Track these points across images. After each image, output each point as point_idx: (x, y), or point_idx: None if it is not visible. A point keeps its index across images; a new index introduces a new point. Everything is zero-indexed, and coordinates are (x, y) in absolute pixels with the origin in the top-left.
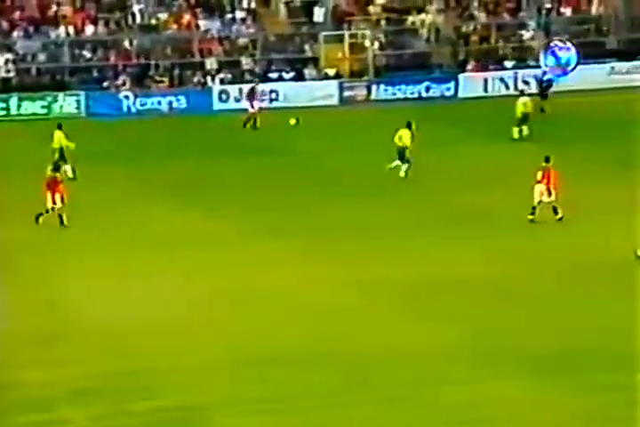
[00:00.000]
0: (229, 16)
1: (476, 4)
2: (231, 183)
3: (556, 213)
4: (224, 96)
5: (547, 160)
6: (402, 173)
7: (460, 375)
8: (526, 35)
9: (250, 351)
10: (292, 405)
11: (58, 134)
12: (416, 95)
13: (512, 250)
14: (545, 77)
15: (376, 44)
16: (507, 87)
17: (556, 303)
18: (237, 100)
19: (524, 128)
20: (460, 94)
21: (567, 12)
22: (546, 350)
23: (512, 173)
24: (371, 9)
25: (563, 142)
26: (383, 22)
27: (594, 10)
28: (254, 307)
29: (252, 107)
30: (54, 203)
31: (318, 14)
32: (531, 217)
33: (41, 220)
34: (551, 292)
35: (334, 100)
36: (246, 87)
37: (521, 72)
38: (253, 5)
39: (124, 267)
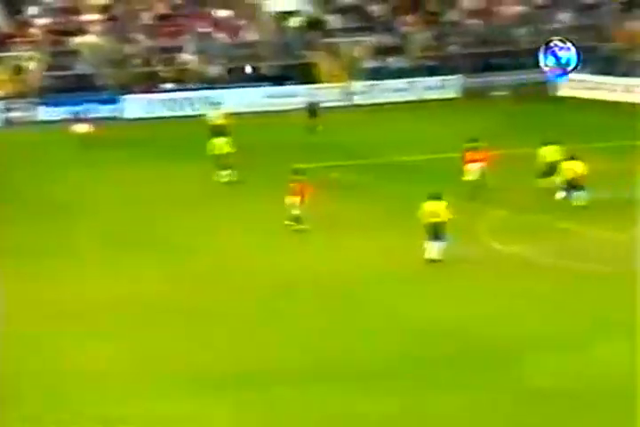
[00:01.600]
0: None
1: (136, 26)
2: None
3: (298, 223)
4: None
5: (297, 173)
6: (224, 179)
7: (124, 394)
8: (185, 58)
9: None
10: None
11: None
12: (82, 116)
13: (185, 269)
14: (311, 101)
15: (39, 66)
16: (169, 109)
17: (234, 321)
18: None
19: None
20: (125, 115)
21: (224, 37)
22: (210, 369)
23: (179, 192)
24: (32, 30)
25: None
26: (46, 43)
27: (249, 36)
28: None
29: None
30: None
31: None
32: (292, 224)
33: None
34: (231, 310)
35: None
36: None
37: (182, 94)
38: None
39: None
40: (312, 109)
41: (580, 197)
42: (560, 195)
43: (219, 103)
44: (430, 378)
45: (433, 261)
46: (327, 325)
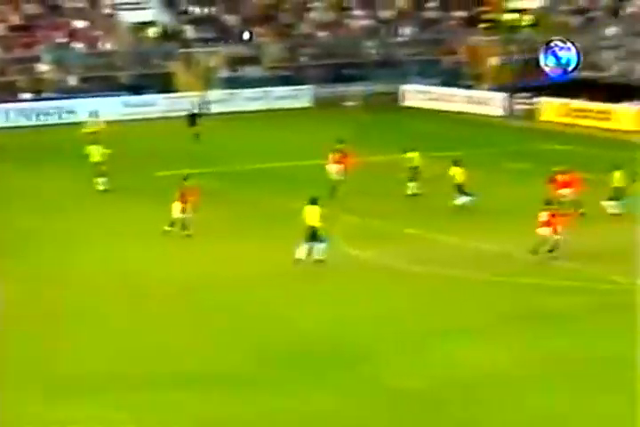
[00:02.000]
0: None
1: None
2: None
3: (187, 229)
4: None
5: (185, 179)
6: (100, 187)
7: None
8: (42, 68)
9: None
10: None
11: None
12: None
13: (55, 273)
14: (191, 110)
15: None
16: (27, 118)
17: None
18: None
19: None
20: None
21: (81, 47)
22: (89, 371)
23: (46, 200)
24: None
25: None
26: None
27: (107, 46)
28: None
29: None
30: None
31: None
32: (168, 229)
33: None
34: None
35: None
36: None
37: (39, 104)
38: None
39: None
40: (192, 118)
41: (461, 200)
42: (458, 201)
43: (73, 112)
44: (281, 380)
45: (299, 261)
46: (185, 327)
